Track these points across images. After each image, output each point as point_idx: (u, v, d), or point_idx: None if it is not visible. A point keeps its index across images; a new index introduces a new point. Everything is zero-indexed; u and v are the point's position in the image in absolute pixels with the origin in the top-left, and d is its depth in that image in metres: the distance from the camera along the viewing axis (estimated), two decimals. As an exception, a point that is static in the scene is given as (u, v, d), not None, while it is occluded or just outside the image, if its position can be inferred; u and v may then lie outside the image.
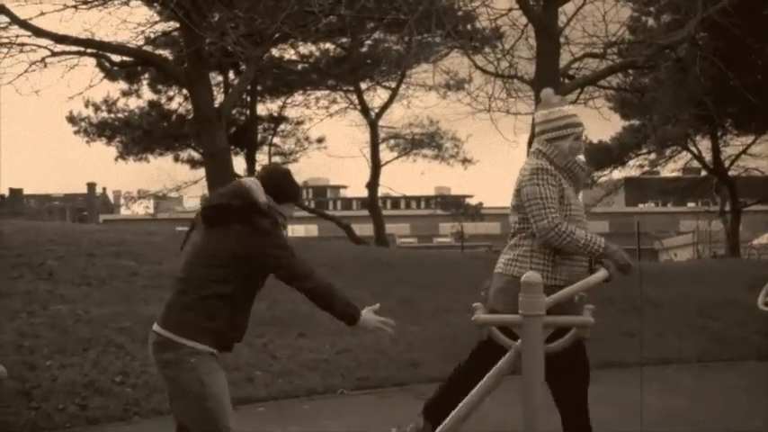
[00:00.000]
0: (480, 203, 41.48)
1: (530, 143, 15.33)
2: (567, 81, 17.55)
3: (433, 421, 4.48)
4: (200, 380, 3.65)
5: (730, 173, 28.24)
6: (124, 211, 57.65)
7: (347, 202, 71.04)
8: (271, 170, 4.23)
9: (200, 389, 3.65)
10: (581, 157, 4.64)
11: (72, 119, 25.29)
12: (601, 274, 4.23)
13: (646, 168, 31.39)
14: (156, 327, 3.77)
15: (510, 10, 17.49)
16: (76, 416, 6.52)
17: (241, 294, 3.78)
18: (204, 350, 3.69)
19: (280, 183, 3.98)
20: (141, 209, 39.08)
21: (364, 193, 30.33)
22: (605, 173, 29.46)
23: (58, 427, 6.35)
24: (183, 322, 3.70)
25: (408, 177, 71.60)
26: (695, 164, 30.27)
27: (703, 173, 31.25)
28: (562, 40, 17.05)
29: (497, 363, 3.88)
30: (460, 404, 3.89)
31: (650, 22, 23.13)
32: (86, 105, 24.95)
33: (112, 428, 6.47)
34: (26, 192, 77.09)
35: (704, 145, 28.28)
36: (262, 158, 28.60)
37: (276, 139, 29.67)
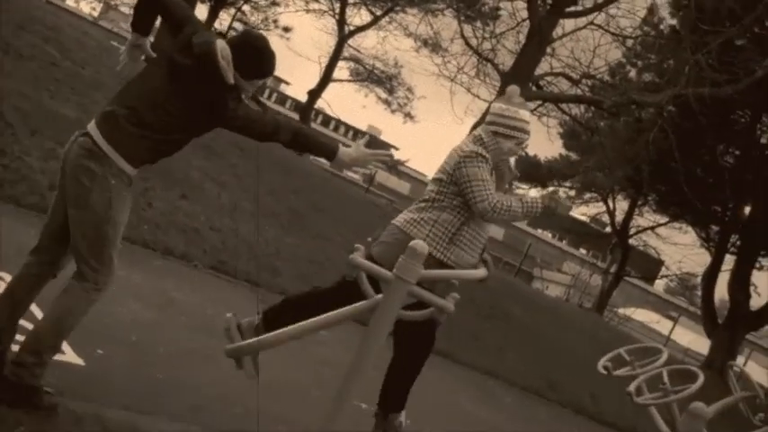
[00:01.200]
0: (407, 160, 41.55)
1: (473, 129, 15.48)
2: (534, 89, 17.73)
3: (267, 326, 4.54)
4: (109, 202, 3.59)
5: (630, 241, 29.18)
6: (69, 2, 55.28)
7: (282, 98, 69.98)
8: (247, 39, 3.83)
9: (105, 210, 3.60)
10: (512, 161, 4.73)
11: None
12: (480, 272, 4.34)
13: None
14: (92, 130, 3.62)
15: (516, -1, 17.48)
16: (-63, 168, 6.31)
17: (187, 131, 3.75)
18: (128, 172, 3.63)
19: (253, 57, 3.75)
20: (87, 7, 37.60)
21: (303, 97, 30.02)
22: (524, 188, 30.03)
23: None
24: (121, 142, 3.59)
25: (348, 103, 71.09)
26: (605, 218, 31.17)
27: (608, 229, 32.22)
28: (549, 50, 17.19)
29: (351, 304, 3.95)
30: (296, 325, 3.95)
31: (632, 73, 23.52)
32: None
33: (-34, 196, 6.29)
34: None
35: (621, 206, 29.13)
36: (224, 18, 27.89)
37: (246, 7, 28.96)
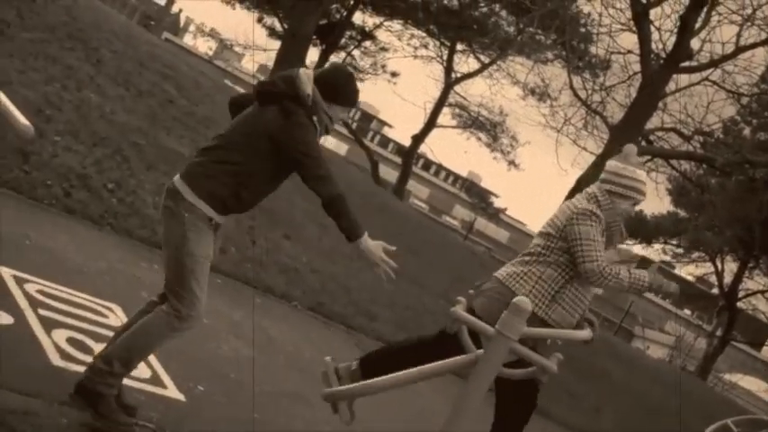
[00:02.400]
0: (504, 208, 41.30)
1: (579, 181, 15.23)
2: (644, 143, 17.40)
3: (365, 373, 4.51)
4: (184, 234, 3.68)
5: (739, 304, 28.08)
6: (186, 40, 57.61)
7: (385, 141, 70.60)
8: (332, 66, 4.03)
9: (181, 242, 3.69)
10: (624, 219, 4.59)
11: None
12: (585, 333, 4.22)
13: (667, 258, 31.26)
14: (176, 175, 3.81)
15: (629, 52, 17.26)
16: (58, 198, 6.57)
17: (257, 170, 3.75)
18: (202, 211, 3.71)
19: (335, 81, 3.86)
20: (204, 46, 39.04)
21: (405, 140, 30.30)
22: (629, 243, 29.35)
23: (37, 198, 6.39)
24: (192, 177, 3.73)
25: (450, 148, 71.13)
26: (712, 279, 30.12)
27: (715, 290, 31.12)
28: (660, 104, 16.87)
29: (449, 356, 3.88)
30: (394, 375, 3.91)
31: (746, 131, 22.84)
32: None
33: (83, 227, 6.51)
34: (110, -25, 76.57)
35: (729, 267, 28.11)
36: (334, 62, 28.49)
37: (356, 52, 29.54)
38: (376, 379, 3.95)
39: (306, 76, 3.79)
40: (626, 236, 4.69)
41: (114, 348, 3.74)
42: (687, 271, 32.69)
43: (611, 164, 4.55)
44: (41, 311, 4.44)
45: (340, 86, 3.86)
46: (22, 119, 2.86)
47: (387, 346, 4.91)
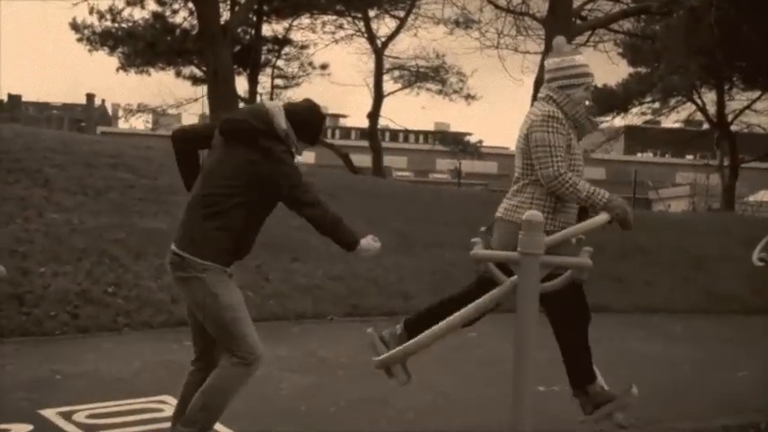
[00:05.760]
0: (480, 141, 41.04)
1: (536, 84, 15.22)
2: (579, 22, 17.35)
3: (411, 333, 4.49)
4: (212, 293, 3.73)
5: (732, 128, 28.08)
6: (122, 125, 57.20)
7: (346, 132, 70.36)
8: (308, 105, 4.03)
9: (213, 300, 3.73)
10: (587, 106, 4.60)
11: (75, 26, 24.79)
12: (602, 217, 4.22)
13: (648, 117, 31.22)
14: (172, 246, 3.83)
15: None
16: (67, 323, 6.55)
17: (249, 216, 3.80)
18: (213, 266, 3.75)
19: (311, 121, 3.94)
20: (140, 123, 38.90)
21: (364, 123, 30.27)
22: (607, 119, 29.31)
23: (48, 332, 6.38)
24: (193, 240, 3.76)
25: (409, 111, 71.09)
26: (698, 116, 30.13)
27: (705, 126, 31.14)
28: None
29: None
30: (441, 323, 3.89)
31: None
32: (90, 12, 24.37)
33: (102, 338, 6.50)
34: (25, 98, 76.20)
35: (709, 98, 28.11)
36: (264, 80, 28.33)
37: (280, 62, 29.32)
38: (421, 335, 3.95)
39: (277, 108, 3.85)
40: (596, 123, 4.72)
41: (191, 412, 3.78)
42: (672, 120, 32.63)
43: (549, 62, 4.61)
44: (100, 433, 4.43)
45: (314, 126, 3.96)
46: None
47: (429, 305, 4.90)
